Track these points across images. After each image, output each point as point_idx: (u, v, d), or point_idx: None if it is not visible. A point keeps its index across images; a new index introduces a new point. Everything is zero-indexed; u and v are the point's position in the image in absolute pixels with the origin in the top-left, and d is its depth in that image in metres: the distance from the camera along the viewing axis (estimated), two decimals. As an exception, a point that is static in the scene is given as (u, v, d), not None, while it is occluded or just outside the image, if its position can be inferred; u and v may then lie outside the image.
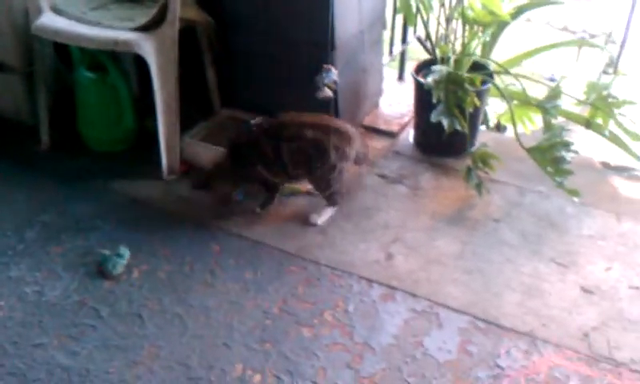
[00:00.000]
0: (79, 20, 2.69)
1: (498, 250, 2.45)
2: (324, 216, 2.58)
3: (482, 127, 3.09)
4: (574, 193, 2.54)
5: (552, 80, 3.67)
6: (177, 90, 2.70)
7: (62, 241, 2.45)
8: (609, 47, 3.84)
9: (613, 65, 3.47)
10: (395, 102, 3.32)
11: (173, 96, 2.69)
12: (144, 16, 2.67)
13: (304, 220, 2.57)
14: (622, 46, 3.32)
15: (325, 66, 2.70)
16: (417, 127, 3.05)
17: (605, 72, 3.56)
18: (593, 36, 4.92)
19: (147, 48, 2.57)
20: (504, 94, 2.80)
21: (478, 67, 2.90)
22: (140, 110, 2.94)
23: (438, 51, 2.95)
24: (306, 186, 2.67)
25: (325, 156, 2.46)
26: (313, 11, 2.70)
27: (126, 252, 2.35)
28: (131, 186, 2.74)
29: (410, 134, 3.10)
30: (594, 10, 5.36)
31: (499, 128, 3.17)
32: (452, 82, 2.65)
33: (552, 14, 5.14)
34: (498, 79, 2.89)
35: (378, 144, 3.01)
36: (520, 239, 2.50)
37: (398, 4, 3.12)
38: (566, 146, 2.55)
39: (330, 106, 2.81)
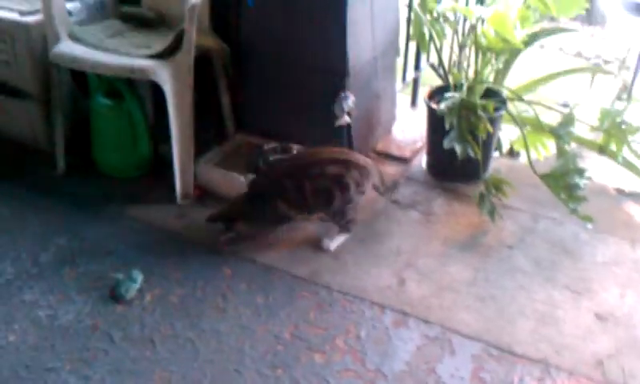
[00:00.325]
0: (96, 47, 2.73)
1: (512, 276, 2.44)
2: (336, 241, 2.58)
3: (495, 153, 3.09)
4: (587, 219, 2.53)
5: (565, 106, 3.67)
6: (192, 117, 2.73)
7: (76, 265, 2.46)
8: (622, 74, 3.84)
9: (627, 91, 3.47)
10: (408, 128, 3.33)
11: (187, 122, 2.72)
12: (160, 43, 2.71)
13: (316, 245, 2.57)
14: (635, 72, 3.32)
15: (342, 92, 2.72)
16: (430, 153, 3.05)
17: (619, 98, 3.56)
18: (607, 62, 4.92)
19: (163, 75, 2.61)
20: (517, 121, 2.80)
21: (491, 94, 2.90)
22: (155, 136, 2.97)
23: (450, 78, 2.96)
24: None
25: (346, 191, 2.48)
26: (327, 38, 2.73)
27: (138, 276, 2.36)
28: (145, 210, 2.76)
29: (422, 160, 3.10)
30: (607, 37, 5.38)
31: (512, 154, 3.17)
32: (465, 109, 2.66)
33: (565, 40, 5.15)
34: (511, 105, 2.90)
35: (390, 170, 3.02)
36: (533, 266, 2.49)
37: (411, 31, 3.15)
38: (580, 172, 2.55)
39: (343, 133, 2.83)
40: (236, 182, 2.75)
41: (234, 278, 2.42)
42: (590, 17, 5.75)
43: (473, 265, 2.50)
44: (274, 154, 2.93)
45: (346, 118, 2.71)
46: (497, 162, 3.03)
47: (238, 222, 2.58)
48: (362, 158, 2.58)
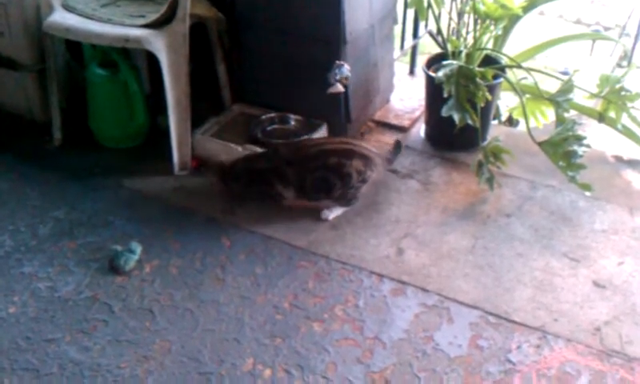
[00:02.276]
0: (90, 17, 2.70)
1: (510, 244, 2.44)
2: (335, 212, 2.58)
3: (494, 121, 3.08)
4: (586, 187, 2.53)
5: (565, 73, 3.65)
6: (188, 87, 2.71)
7: (75, 237, 2.46)
8: (623, 40, 3.81)
9: (627, 58, 3.45)
10: (406, 96, 3.31)
11: (184, 92, 2.70)
12: (154, 12, 2.68)
13: (315, 215, 2.56)
14: (636, 39, 3.29)
15: (337, 61, 2.70)
16: (428, 122, 3.04)
17: (619, 65, 3.53)
18: (607, 29, 4.88)
19: (158, 44, 2.58)
20: (516, 88, 2.78)
21: (489, 61, 2.88)
22: (151, 106, 2.95)
23: (449, 45, 2.93)
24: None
25: (347, 181, 2.49)
26: (324, 7, 2.70)
27: (137, 247, 2.36)
28: (143, 182, 2.75)
29: (421, 129, 3.09)
30: (607, 3, 5.33)
31: (511, 122, 3.15)
32: (463, 77, 2.63)
33: (565, 7, 5.10)
34: (510, 73, 2.88)
35: (389, 139, 3.00)
36: (532, 234, 2.49)
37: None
38: (579, 139, 2.53)
39: (340, 102, 2.81)
40: (233, 153, 2.75)
41: (233, 249, 2.42)
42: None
43: (471, 233, 2.50)
44: (272, 124, 2.94)
45: (339, 87, 2.69)
46: (495, 130, 3.01)
47: (232, 184, 2.60)
48: (365, 148, 2.58)
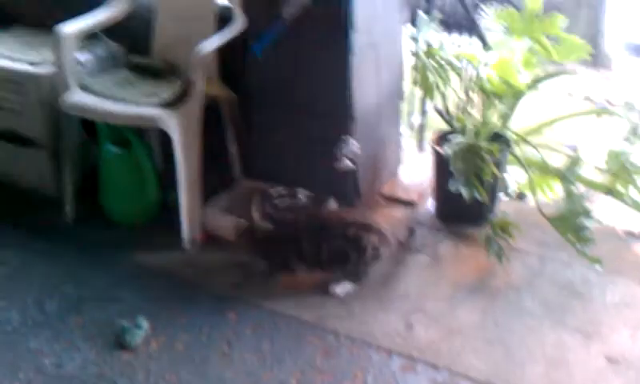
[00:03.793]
0: (105, 97, 2.77)
1: (520, 319, 2.41)
2: (344, 287, 2.56)
3: (502, 196, 3.08)
4: (596, 261, 2.50)
5: (573, 148, 3.67)
6: (199, 164, 2.76)
7: (82, 312, 2.46)
8: (629, 115, 3.84)
9: (635, 133, 3.47)
10: (414, 172, 3.33)
11: (195, 169, 2.74)
12: (168, 92, 2.75)
13: (323, 290, 2.55)
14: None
15: (344, 137, 2.74)
16: (436, 197, 3.05)
17: (627, 140, 3.55)
18: (614, 105, 4.92)
19: (171, 124, 2.64)
20: (523, 163, 2.80)
21: (496, 137, 2.91)
22: (163, 182, 2.99)
23: (456, 122, 2.97)
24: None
25: (362, 254, 2.50)
26: (332, 85, 2.77)
27: (144, 323, 2.36)
28: (152, 257, 2.77)
29: (429, 204, 3.09)
30: (614, 80, 5.39)
31: (519, 196, 3.15)
32: (470, 152, 2.66)
33: (574, 85, 5.18)
34: (517, 148, 2.90)
35: (397, 213, 3.01)
36: (542, 308, 2.46)
37: (416, 77, 3.17)
38: (587, 213, 2.53)
39: (348, 177, 2.84)
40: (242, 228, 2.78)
41: (240, 324, 2.40)
42: (596, 60, 5.78)
43: (481, 308, 2.47)
44: (281, 198, 2.96)
45: (347, 163, 2.73)
46: (504, 205, 3.01)
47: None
48: (381, 224, 2.60)
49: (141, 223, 2.98)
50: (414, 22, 3.14)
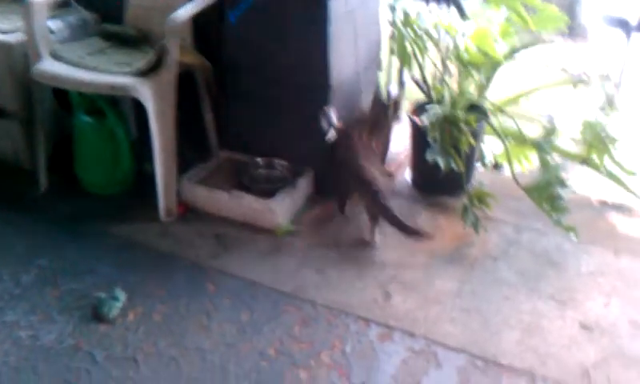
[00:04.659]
0: (77, 65, 2.72)
1: (496, 288, 2.44)
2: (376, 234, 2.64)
3: (479, 166, 3.10)
4: (571, 230, 2.54)
5: (549, 119, 3.69)
6: (174, 134, 2.73)
7: (58, 284, 2.44)
8: (605, 86, 3.87)
9: (610, 103, 3.50)
10: (392, 142, 3.32)
11: (170, 139, 2.71)
12: (141, 60, 2.71)
13: (300, 260, 2.56)
14: (618, 84, 3.35)
15: (324, 108, 2.72)
16: (413, 167, 3.06)
17: (602, 111, 3.58)
18: (590, 75, 4.95)
19: (145, 93, 2.60)
20: (499, 133, 2.81)
21: (473, 107, 2.91)
22: (138, 152, 2.95)
23: (433, 92, 2.97)
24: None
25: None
26: (310, 54, 2.74)
27: (121, 295, 2.34)
28: (128, 228, 2.74)
29: (406, 174, 3.10)
30: (590, 51, 5.42)
31: (496, 166, 3.18)
32: (447, 122, 2.67)
33: (551, 55, 5.19)
34: (494, 119, 2.91)
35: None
36: (518, 277, 2.49)
37: (393, 47, 3.16)
38: (562, 183, 2.56)
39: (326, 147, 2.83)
40: (220, 199, 2.76)
41: (218, 294, 2.40)
42: (573, 31, 5.80)
43: (458, 277, 2.49)
44: (258, 169, 2.95)
45: (334, 133, 2.72)
46: (480, 175, 3.03)
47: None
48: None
49: (116, 194, 2.96)
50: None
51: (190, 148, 2.97)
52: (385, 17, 3.14)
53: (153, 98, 2.62)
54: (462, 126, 2.68)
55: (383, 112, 2.83)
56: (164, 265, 2.55)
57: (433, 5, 3.59)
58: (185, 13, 2.67)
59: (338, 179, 2.76)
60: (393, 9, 2.92)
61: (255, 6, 2.75)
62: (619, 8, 6.42)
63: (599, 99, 3.69)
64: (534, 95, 3.26)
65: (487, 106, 2.94)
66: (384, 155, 2.96)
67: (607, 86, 3.88)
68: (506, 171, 3.02)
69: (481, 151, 3.07)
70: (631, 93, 3.85)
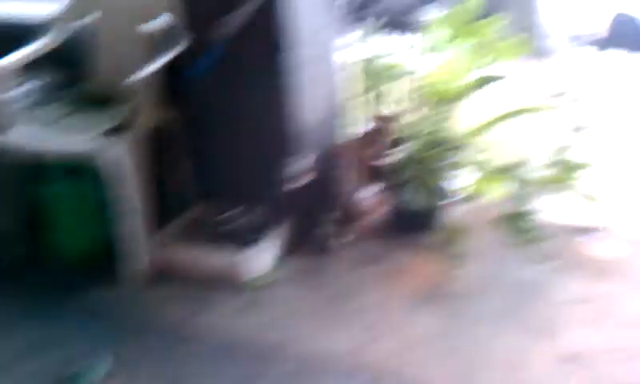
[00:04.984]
0: (45, 131, 2.70)
1: (477, 325, 2.43)
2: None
3: (452, 200, 3.10)
4: (546, 259, 2.55)
5: (518, 145, 3.73)
6: (146, 194, 2.71)
7: (32, 359, 2.37)
8: (576, 108, 3.92)
9: (579, 126, 3.54)
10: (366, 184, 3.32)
11: (142, 200, 2.69)
12: (108, 122, 2.70)
13: (279, 312, 2.55)
14: (586, 107, 3.39)
15: (292, 155, 2.73)
16: (386, 207, 3.05)
17: (571, 133, 3.62)
18: (558, 95, 5.01)
19: (114, 154, 2.58)
20: (469, 165, 2.83)
21: (442, 141, 2.92)
22: (110, 215, 2.91)
23: (401, 130, 2.98)
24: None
25: None
26: (275, 102, 2.75)
27: (98, 366, 2.29)
28: (103, 295, 2.70)
29: (380, 214, 3.09)
30: (557, 70, 5.49)
31: (468, 199, 3.18)
32: (416, 160, 2.68)
33: (518, 79, 5.25)
34: (463, 150, 2.92)
35: (348, 227, 2.99)
36: (497, 312, 2.48)
37: (359, 87, 3.17)
38: (534, 212, 2.58)
39: (301, 191, 2.83)
40: (195, 255, 2.74)
41: (195, 359, 2.36)
42: (540, 51, 5.87)
43: (438, 315, 2.48)
44: (236, 219, 2.94)
45: (300, 180, 2.72)
46: (454, 209, 3.02)
47: None
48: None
49: (87, 260, 2.89)
50: (353, 29, 3.15)
51: (164, 204, 2.95)
52: (348, 56, 3.16)
53: (122, 160, 2.60)
54: (432, 161, 2.70)
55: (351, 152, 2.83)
56: (138, 332, 2.50)
57: (396, 35, 3.61)
58: (149, 69, 2.68)
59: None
60: (356, 47, 2.95)
61: (218, 58, 2.76)
62: (581, 26, 6.54)
63: (568, 121, 3.73)
64: (502, 123, 3.30)
65: (455, 138, 2.95)
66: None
67: (575, 107, 3.93)
68: (479, 203, 3.03)
69: (452, 185, 3.07)
70: (598, 110, 3.90)
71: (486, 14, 3.20)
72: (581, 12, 6.66)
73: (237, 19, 2.65)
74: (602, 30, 6.79)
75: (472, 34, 2.83)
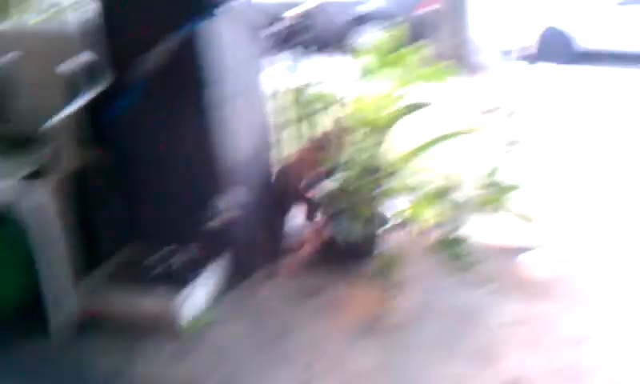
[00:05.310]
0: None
1: (416, 354, 2.40)
2: None
3: (385, 228, 3.08)
4: (481, 282, 2.54)
5: (453, 167, 3.75)
6: (71, 239, 2.60)
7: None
8: (508, 123, 3.98)
9: (512, 141, 3.59)
10: (299, 216, 3.27)
11: (66, 246, 2.59)
12: (30, 165, 2.59)
13: (215, 355, 2.47)
14: (519, 122, 3.44)
15: (223, 191, 2.67)
16: (320, 239, 3.00)
17: (505, 150, 3.66)
18: (492, 111, 5.08)
19: (35, 200, 2.48)
20: (404, 191, 2.81)
21: (373, 169, 2.90)
22: (34, 264, 2.78)
23: (334, 159, 2.95)
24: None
25: None
26: (203, 137, 2.70)
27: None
28: (24, 347, 2.56)
29: (318, 245, 3.04)
30: (491, 85, 5.58)
31: (404, 224, 3.16)
32: (346, 190, 2.66)
33: (451, 97, 5.31)
34: (396, 177, 2.91)
35: (284, 260, 2.95)
36: (437, 339, 2.46)
37: (292, 116, 3.14)
38: (469, 236, 2.57)
39: (234, 229, 2.77)
40: (126, 301, 2.65)
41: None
42: (472, 68, 5.97)
43: (377, 347, 2.44)
44: (169, 259, 2.86)
45: (224, 217, 2.67)
46: (388, 236, 3.00)
47: None
48: None
49: (10, 313, 2.70)
50: (281, 59, 3.13)
51: (93, 248, 2.84)
52: (274, 89, 3.12)
53: (41, 206, 2.49)
54: (363, 191, 2.67)
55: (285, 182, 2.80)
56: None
57: (325, 57, 3.59)
58: (70, 110, 2.61)
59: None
60: (283, 79, 2.92)
61: (140, 96, 2.68)
62: (511, 40, 6.69)
63: (501, 138, 3.77)
64: (435, 146, 3.30)
65: (386, 165, 2.93)
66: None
67: (507, 122, 3.98)
68: (413, 229, 3.01)
69: (385, 213, 3.05)
70: (530, 125, 3.96)
71: (416, 35, 3.23)
72: (511, 27, 6.83)
73: (159, 56, 2.59)
74: (532, 43, 6.98)
75: (398, 63, 2.82)
